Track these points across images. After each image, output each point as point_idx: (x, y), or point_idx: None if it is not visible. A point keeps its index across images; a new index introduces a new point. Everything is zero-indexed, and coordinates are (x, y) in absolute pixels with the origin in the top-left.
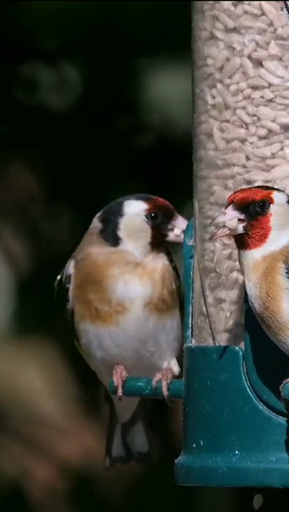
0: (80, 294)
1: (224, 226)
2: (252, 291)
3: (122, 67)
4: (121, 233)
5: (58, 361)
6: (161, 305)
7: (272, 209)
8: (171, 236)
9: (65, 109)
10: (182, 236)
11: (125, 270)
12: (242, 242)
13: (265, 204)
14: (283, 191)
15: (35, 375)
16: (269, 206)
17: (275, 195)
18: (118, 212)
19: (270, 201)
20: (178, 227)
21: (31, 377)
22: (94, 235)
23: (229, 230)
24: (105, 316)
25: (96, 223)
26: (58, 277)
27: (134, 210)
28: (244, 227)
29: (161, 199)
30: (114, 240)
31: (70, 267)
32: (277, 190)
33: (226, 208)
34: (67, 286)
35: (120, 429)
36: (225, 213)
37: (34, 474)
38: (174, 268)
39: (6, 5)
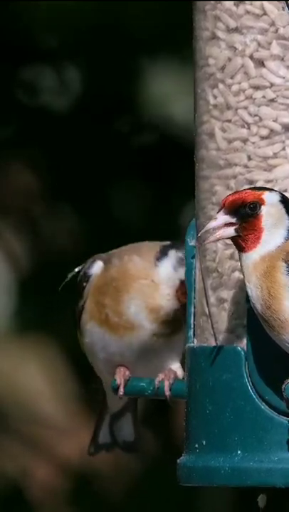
0: (98, 295)
1: (215, 230)
2: (253, 291)
3: (123, 67)
4: (173, 254)
5: (58, 360)
6: (169, 333)
7: (264, 210)
8: None
9: (65, 109)
10: None
11: (144, 292)
12: (237, 245)
13: (255, 206)
14: (276, 191)
15: (35, 374)
16: (260, 208)
17: (266, 195)
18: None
19: (261, 202)
20: None
21: (31, 377)
22: (152, 248)
23: (220, 234)
24: (113, 326)
25: (167, 242)
26: (76, 270)
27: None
28: (236, 230)
29: None
30: (162, 254)
31: (96, 267)
32: (270, 190)
33: (218, 212)
34: (84, 284)
35: (109, 419)
36: (216, 219)
37: (34, 474)
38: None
39: (6, 5)
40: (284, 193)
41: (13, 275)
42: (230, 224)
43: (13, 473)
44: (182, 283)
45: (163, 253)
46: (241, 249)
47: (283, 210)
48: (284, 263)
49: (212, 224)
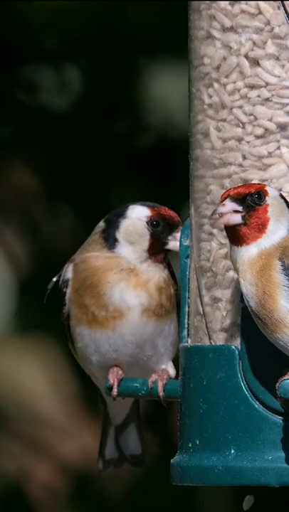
0: (78, 297)
1: (224, 215)
2: (248, 289)
3: (123, 67)
4: (120, 236)
5: (58, 361)
6: (159, 311)
7: (269, 200)
8: (170, 245)
9: (66, 110)
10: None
11: (120, 277)
12: (239, 236)
13: (261, 195)
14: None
15: (35, 374)
16: (265, 197)
17: (268, 188)
18: (121, 215)
19: (265, 193)
20: (178, 239)
21: (31, 377)
22: (96, 234)
23: (229, 219)
24: (102, 321)
25: (100, 223)
26: (54, 279)
27: (137, 214)
28: (243, 217)
29: (167, 210)
30: (112, 242)
31: (69, 271)
32: (268, 186)
33: (222, 201)
34: (65, 290)
35: (114, 432)
36: (224, 204)
37: (34, 474)
38: (172, 273)
39: (7, 5)
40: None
41: (13, 275)
42: (238, 212)
43: (13, 473)
44: (150, 249)
45: (111, 241)
46: (242, 240)
47: (284, 204)
48: (279, 262)
49: (221, 209)
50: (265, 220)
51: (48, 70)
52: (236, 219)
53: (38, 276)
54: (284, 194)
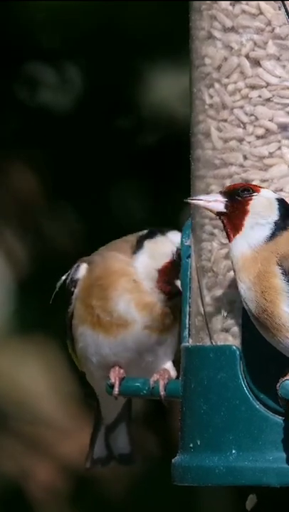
0: (86, 296)
1: (206, 200)
2: (246, 292)
3: (124, 66)
4: (147, 245)
5: (58, 361)
6: (162, 328)
7: (255, 197)
8: (178, 282)
9: (66, 109)
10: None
11: (129, 288)
12: (224, 227)
13: (248, 190)
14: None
15: (35, 374)
16: (252, 193)
17: (264, 189)
18: (162, 232)
19: (255, 190)
20: None
21: (31, 377)
22: (132, 237)
23: (209, 203)
24: (106, 326)
25: (143, 231)
26: (63, 278)
27: (174, 239)
28: (225, 206)
29: None
30: (139, 247)
31: (81, 270)
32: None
33: None
34: (72, 289)
35: (104, 431)
36: (209, 193)
37: (34, 474)
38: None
39: (7, 5)
40: (280, 193)
41: (13, 275)
42: (221, 202)
43: (13, 473)
44: (161, 272)
45: (138, 246)
46: (228, 234)
47: (276, 207)
48: (279, 267)
49: (204, 196)
50: (244, 212)
51: (48, 69)
52: (217, 205)
53: (38, 276)
54: (285, 194)
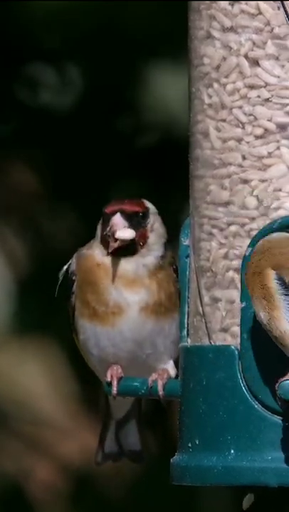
0: (80, 292)
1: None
2: (259, 315)
3: (124, 66)
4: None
5: (58, 360)
6: (158, 309)
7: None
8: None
9: (66, 109)
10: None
11: (117, 277)
12: None
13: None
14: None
15: (35, 374)
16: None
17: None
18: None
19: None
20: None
21: (31, 377)
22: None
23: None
24: (102, 316)
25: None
26: (64, 268)
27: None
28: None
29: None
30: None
31: (74, 263)
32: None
33: None
34: (74, 278)
35: (114, 426)
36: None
37: (34, 474)
38: (175, 270)
39: (7, 5)
40: (276, 193)
41: (13, 275)
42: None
43: (13, 473)
44: (101, 235)
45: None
46: None
47: None
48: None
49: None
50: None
51: (48, 69)
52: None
53: (38, 276)
54: (284, 194)
